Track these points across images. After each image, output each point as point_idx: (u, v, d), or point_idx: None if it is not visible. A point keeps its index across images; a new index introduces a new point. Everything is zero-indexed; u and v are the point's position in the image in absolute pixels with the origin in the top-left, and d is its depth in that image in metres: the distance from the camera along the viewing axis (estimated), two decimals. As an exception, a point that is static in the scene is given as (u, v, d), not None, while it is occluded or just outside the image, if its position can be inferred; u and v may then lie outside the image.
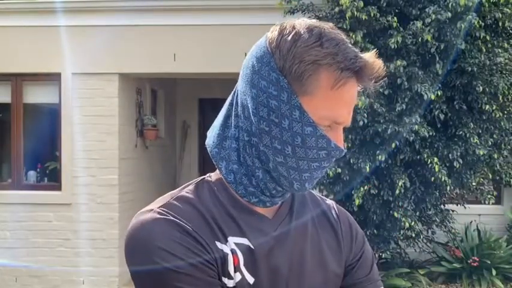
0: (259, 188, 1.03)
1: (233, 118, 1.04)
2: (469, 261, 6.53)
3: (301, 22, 0.99)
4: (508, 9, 5.67)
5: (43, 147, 6.99)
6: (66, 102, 6.52)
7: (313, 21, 1.00)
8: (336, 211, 1.18)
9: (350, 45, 0.98)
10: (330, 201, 1.21)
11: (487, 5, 5.63)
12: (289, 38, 0.97)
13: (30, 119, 6.90)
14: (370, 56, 0.97)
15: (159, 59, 6.50)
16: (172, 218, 0.98)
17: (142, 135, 7.25)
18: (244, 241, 1.01)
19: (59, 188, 6.60)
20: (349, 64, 0.95)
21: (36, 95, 6.84)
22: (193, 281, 0.94)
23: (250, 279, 0.99)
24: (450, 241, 6.91)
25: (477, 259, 6.51)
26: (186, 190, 1.05)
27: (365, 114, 5.18)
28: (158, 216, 0.98)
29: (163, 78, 7.50)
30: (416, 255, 6.88)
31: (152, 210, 1.00)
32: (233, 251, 0.99)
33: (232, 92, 1.07)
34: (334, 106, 0.97)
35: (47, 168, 6.89)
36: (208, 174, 1.10)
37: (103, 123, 6.47)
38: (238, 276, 0.99)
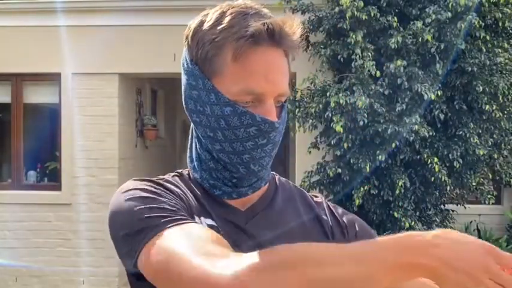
0: (220, 180, 1.02)
1: None
2: (469, 261, 6.51)
3: (217, 8, 0.99)
4: (508, 9, 5.67)
5: (43, 147, 6.99)
6: (66, 102, 6.52)
7: (227, 4, 0.98)
8: (324, 206, 1.13)
9: (257, 16, 0.95)
10: (320, 198, 1.16)
11: (487, 5, 5.62)
12: (194, 26, 0.99)
13: (30, 119, 6.90)
14: (277, 18, 0.94)
15: (159, 59, 6.49)
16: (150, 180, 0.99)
17: (142, 135, 7.25)
18: (215, 224, 0.99)
19: (58, 188, 6.60)
20: (243, 32, 0.92)
21: (36, 95, 6.84)
22: (164, 212, 0.91)
23: None
24: (450, 241, 6.89)
25: (477, 259, 6.49)
26: (159, 177, 1.04)
27: (365, 114, 5.18)
28: (132, 181, 0.99)
29: (163, 78, 7.49)
30: (416, 255, 6.86)
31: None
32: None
33: None
34: (243, 78, 0.94)
35: (47, 168, 6.89)
36: (184, 169, 1.09)
37: (103, 123, 6.46)
38: None
